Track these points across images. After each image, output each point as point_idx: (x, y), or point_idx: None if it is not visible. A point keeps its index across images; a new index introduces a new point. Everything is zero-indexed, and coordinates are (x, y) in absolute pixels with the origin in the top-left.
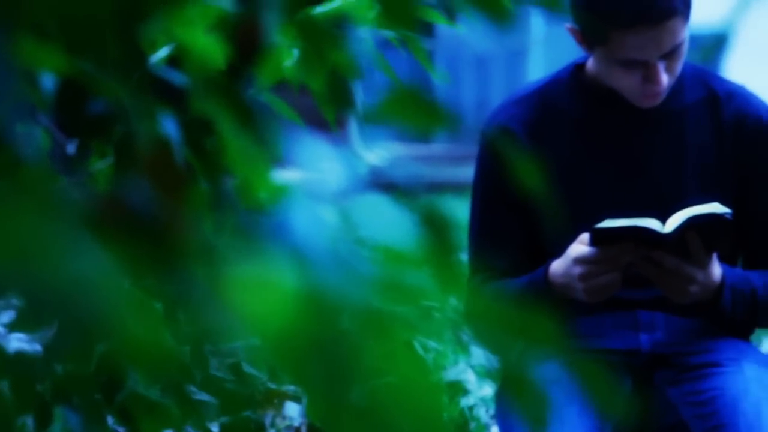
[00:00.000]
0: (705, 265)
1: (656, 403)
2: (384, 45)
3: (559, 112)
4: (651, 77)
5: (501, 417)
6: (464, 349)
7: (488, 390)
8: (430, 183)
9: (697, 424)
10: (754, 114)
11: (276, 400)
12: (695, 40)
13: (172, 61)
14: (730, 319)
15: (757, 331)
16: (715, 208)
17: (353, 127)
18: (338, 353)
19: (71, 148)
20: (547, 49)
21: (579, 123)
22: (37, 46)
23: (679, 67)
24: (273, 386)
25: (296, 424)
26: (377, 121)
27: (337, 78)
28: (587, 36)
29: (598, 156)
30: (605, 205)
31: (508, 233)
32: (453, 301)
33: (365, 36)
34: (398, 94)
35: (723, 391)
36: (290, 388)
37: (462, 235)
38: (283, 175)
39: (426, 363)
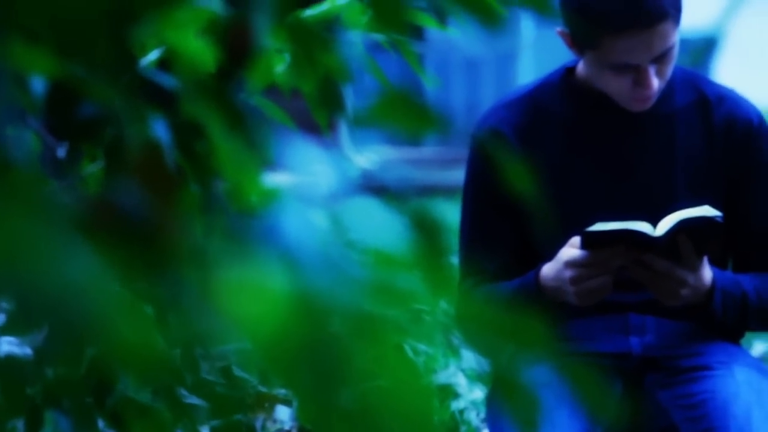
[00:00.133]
0: (696, 268)
1: (647, 407)
2: (374, 48)
3: (549, 116)
4: (642, 81)
5: (492, 420)
6: (455, 353)
7: (479, 393)
8: (420, 186)
9: (687, 427)
10: (744, 117)
11: (267, 403)
12: (685, 43)
13: (163, 64)
14: (720, 323)
15: (747, 335)
16: (706, 211)
17: (344, 131)
18: (329, 356)
19: (62, 152)
20: (537, 52)
21: (569, 126)
22: (27, 49)
23: (669, 71)
24: (264, 390)
25: (287, 427)
26: (368, 124)
27: (328, 81)
28: (578, 40)
29: (588, 159)
30: (596, 209)
31: (498, 236)
32: (443, 305)
33: (356, 39)
34: (389, 97)
35: (714, 394)
36: (281, 391)
37: (453, 239)
38: (274, 179)
39: (416, 366)
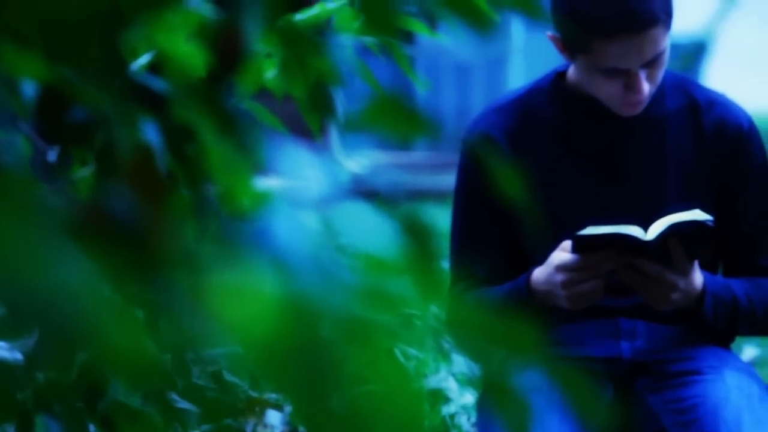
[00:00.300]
0: (687, 273)
1: (637, 411)
2: (365, 53)
3: (540, 120)
4: (632, 86)
5: (482, 425)
6: (445, 357)
7: (470, 398)
8: (411, 190)
9: (678, 431)
10: (734, 122)
11: (257, 408)
12: (675, 48)
13: (154, 68)
14: (711, 327)
15: (738, 339)
16: (697, 215)
17: (334, 135)
18: (319, 361)
19: (52, 156)
20: (527, 57)
21: (560, 131)
22: (17, 53)
23: (660, 76)
24: (254, 394)
25: None
26: (358, 128)
27: (318, 85)
28: (569, 44)
29: (579, 164)
30: (587, 213)
31: (489, 241)
32: (434, 309)
33: (347, 43)
34: (379, 101)
35: (704, 398)
36: (271, 396)
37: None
38: (265, 183)
39: (407, 371)
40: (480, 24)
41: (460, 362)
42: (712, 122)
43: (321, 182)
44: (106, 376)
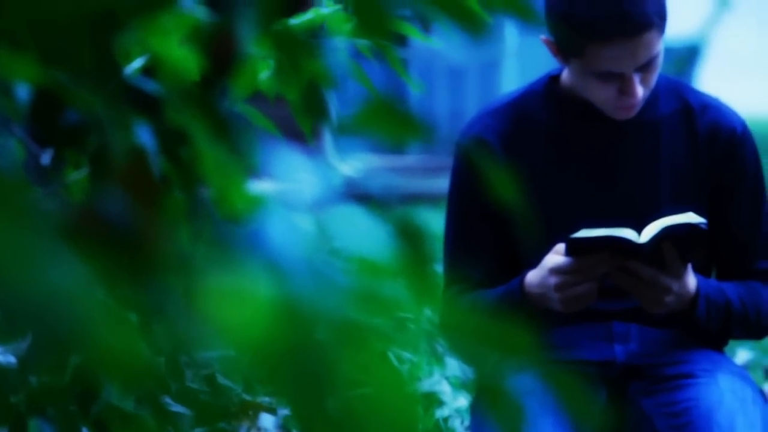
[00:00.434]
0: (680, 276)
1: (631, 415)
2: (358, 56)
3: (534, 124)
4: (626, 89)
5: (476, 428)
6: (439, 361)
7: (463, 401)
8: (404, 194)
9: None
10: (728, 125)
11: (251, 411)
12: (669, 52)
13: (147, 71)
14: (704, 330)
15: (731, 343)
16: (690, 218)
17: (328, 138)
18: (313, 364)
19: (46, 159)
20: (521, 60)
21: (554, 134)
22: (11, 56)
23: (654, 80)
24: (248, 398)
25: None
26: (352, 132)
27: (312, 89)
28: (563, 48)
29: (573, 167)
30: (581, 216)
31: (483, 244)
32: (428, 313)
33: (340, 47)
34: (373, 105)
35: (697, 402)
36: (265, 399)
37: (437, 247)
38: (259, 186)
39: (401, 374)
40: (473, 27)
41: (454, 365)
42: (706, 126)
43: (314, 185)
44: (99, 379)
